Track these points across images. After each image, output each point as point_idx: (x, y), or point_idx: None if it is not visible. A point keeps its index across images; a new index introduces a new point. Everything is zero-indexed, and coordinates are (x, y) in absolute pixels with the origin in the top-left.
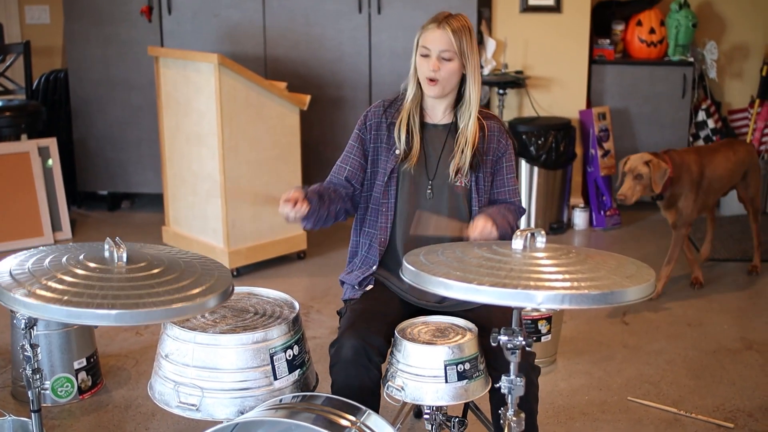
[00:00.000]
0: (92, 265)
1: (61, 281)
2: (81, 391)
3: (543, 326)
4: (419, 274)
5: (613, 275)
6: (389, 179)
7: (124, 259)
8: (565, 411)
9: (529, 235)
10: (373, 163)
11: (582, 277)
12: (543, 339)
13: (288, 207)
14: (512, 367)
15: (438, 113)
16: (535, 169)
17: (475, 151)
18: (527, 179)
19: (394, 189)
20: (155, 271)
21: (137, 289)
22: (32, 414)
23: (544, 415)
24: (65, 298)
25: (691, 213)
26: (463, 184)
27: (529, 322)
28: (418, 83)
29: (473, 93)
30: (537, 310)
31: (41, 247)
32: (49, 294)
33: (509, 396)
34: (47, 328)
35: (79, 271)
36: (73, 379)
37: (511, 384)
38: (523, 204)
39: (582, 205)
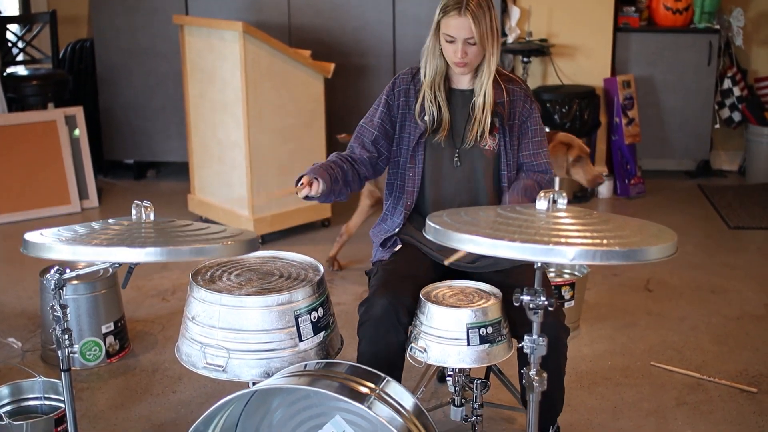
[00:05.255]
0: (123, 221)
1: (92, 229)
2: (109, 354)
3: (566, 292)
4: (447, 233)
5: (638, 234)
6: (417, 146)
7: (152, 217)
8: (588, 376)
9: (552, 196)
10: (401, 128)
11: (609, 235)
12: (566, 305)
13: (305, 191)
14: (534, 327)
15: (464, 80)
16: None
17: (497, 114)
18: None
19: (422, 155)
20: (182, 223)
21: (164, 234)
22: (62, 374)
23: (567, 380)
24: (95, 241)
25: None
26: (491, 148)
27: (553, 287)
28: (442, 56)
29: (487, 66)
30: (561, 275)
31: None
32: (79, 236)
33: (531, 356)
34: (75, 292)
35: (111, 227)
36: (101, 342)
37: (533, 344)
38: None
39: (606, 173)
